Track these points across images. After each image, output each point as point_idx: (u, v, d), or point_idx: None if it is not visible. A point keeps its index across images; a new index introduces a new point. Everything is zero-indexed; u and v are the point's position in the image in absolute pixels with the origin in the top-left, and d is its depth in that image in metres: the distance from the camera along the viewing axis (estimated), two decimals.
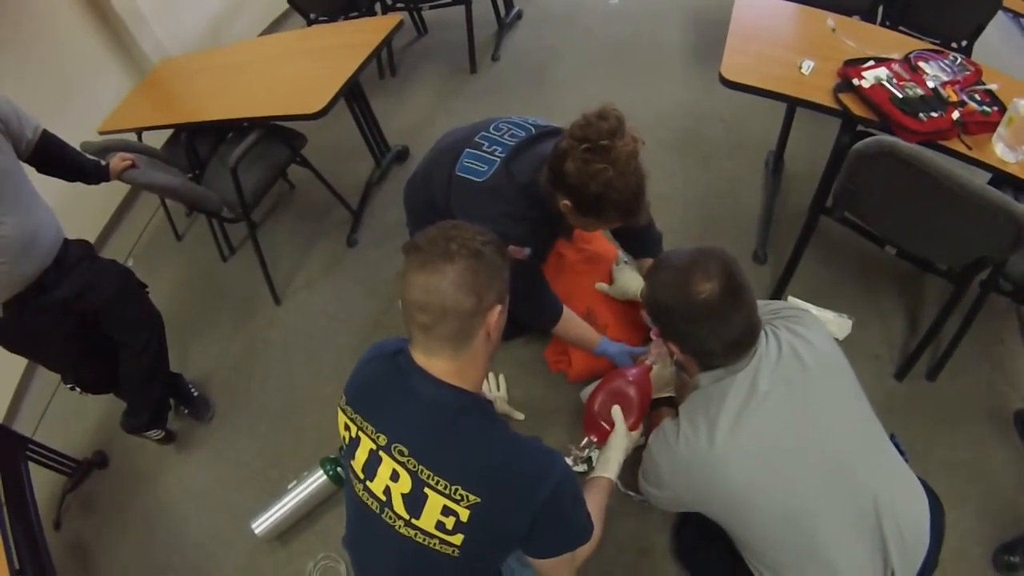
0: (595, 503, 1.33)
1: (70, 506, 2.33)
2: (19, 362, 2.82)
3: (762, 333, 1.29)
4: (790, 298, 2.27)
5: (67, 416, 2.66)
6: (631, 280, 2.08)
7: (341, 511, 2.04)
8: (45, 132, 1.90)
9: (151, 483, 2.33)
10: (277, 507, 2.02)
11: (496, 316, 1.13)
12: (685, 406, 1.33)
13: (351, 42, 2.71)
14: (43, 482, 2.24)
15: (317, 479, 2.05)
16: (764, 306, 1.37)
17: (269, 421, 2.39)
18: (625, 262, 2.16)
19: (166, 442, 2.37)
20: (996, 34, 3.29)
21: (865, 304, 2.31)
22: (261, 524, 2.00)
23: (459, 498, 1.04)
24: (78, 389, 2.27)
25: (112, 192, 3.45)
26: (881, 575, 1.24)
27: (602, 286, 2.14)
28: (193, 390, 2.47)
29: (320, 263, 2.93)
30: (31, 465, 2.17)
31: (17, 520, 1.93)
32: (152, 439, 2.31)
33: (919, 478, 1.35)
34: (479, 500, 1.04)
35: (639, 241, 2.09)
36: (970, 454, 1.93)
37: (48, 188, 1.95)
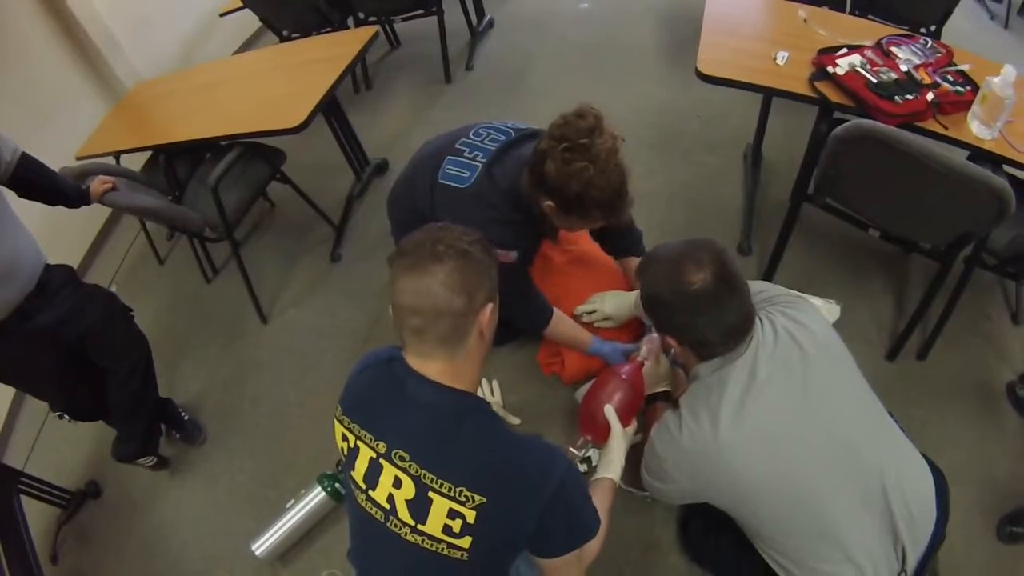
0: (600, 503, 1.32)
1: (66, 539, 2.28)
2: (7, 392, 2.76)
3: (757, 320, 1.30)
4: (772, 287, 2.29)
5: (58, 446, 2.61)
6: (617, 301, 2.07)
7: (342, 528, 2.04)
8: (24, 155, 1.88)
9: (147, 511, 2.29)
10: (277, 527, 1.99)
11: (488, 314, 1.13)
12: (685, 398, 1.33)
13: (327, 55, 2.70)
14: (36, 515, 2.20)
15: (315, 496, 2.02)
16: (757, 293, 1.38)
17: (263, 441, 2.36)
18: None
19: (159, 468, 2.32)
20: (964, 18, 3.36)
21: (852, 288, 2.33)
22: (261, 545, 1.97)
23: (464, 499, 1.03)
24: (67, 417, 2.23)
25: (91, 219, 3.44)
26: (892, 552, 1.25)
27: (604, 324, 2.09)
28: (184, 414, 2.43)
29: (305, 280, 2.91)
30: (23, 498, 2.12)
31: (13, 556, 1.90)
32: (145, 466, 2.27)
33: (921, 454, 1.36)
34: (485, 500, 1.03)
35: (620, 240, 2.10)
36: (966, 429, 1.96)
37: (26, 216, 1.92)
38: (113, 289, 2.90)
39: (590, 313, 2.07)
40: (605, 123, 1.51)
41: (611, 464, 1.49)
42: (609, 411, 1.56)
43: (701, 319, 1.24)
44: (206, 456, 2.39)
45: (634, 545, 1.84)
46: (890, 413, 1.38)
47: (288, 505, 2.03)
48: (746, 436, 1.22)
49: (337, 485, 2.03)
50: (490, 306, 1.13)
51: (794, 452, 1.22)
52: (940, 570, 1.47)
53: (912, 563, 1.26)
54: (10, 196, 1.85)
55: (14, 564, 1.87)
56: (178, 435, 2.42)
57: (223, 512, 2.21)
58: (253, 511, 2.15)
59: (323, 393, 2.41)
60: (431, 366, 1.11)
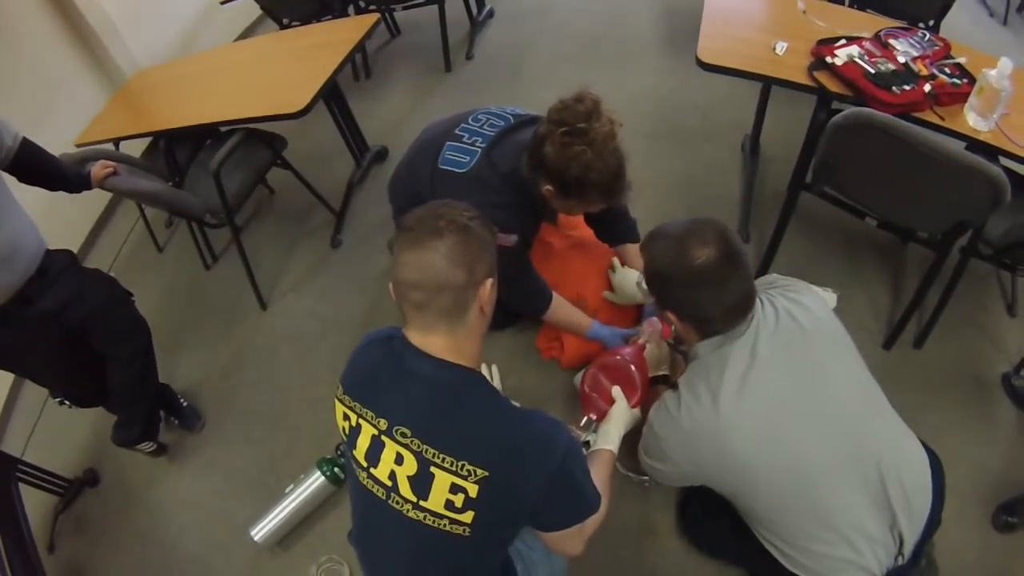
0: (600, 475, 1.34)
1: (63, 527, 2.28)
2: (5, 380, 2.77)
3: (758, 301, 1.31)
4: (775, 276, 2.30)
5: (55, 434, 2.61)
6: (630, 279, 2.08)
7: (341, 512, 2.05)
8: (25, 140, 1.88)
9: (144, 498, 2.30)
10: (276, 512, 2.00)
11: (488, 290, 1.14)
12: (685, 377, 1.34)
13: (328, 42, 2.70)
14: (34, 503, 2.19)
15: (315, 481, 2.03)
16: (759, 282, 1.39)
17: (262, 426, 2.37)
18: (622, 267, 2.16)
19: (157, 455, 2.33)
20: (962, 15, 3.36)
21: (849, 277, 2.35)
22: (260, 530, 1.98)
23: (466, 474, 1.04)
24: (68, 403, 2.23)
25: (90, 206, 3.43)
26: (888, 536, 1.26)
27: (608, 295, 2.14)
28: (182, 400, 2.44)
29: (305, 265, 2.91)
30: (21, 486, 2.12)
31: (12, 544, 1.89)
32: (144, 451, 2.28)
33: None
34: (487, 474, 1.04)
35: (615, 227, 2.12)
36: (961, 417, 1.97)
37: (25, 201, 1.91)
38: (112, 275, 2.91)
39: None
40: (603, 107, 1.53)
41: (609, 435, 1.51)
42: (616, 391, 1.58)
43: (703, 294, 1.25)
44: (204, 442, 2.39)
45: (632, 529, 1.86)
46: None
47: (287, 490, 2.04)
48: (746, 415, 1.23)
49: (336, 469, 2.04)
50: (490, 281, 1.15)
51: (793, 432, 1.23)
52: (936, 557, 1.49)
53: (909, 546, 1.27)
54: (10, 181, 1.85)
55: (12, 553, 1.86)
56: (176, 421, 2.42)
57: (221, 498, 2.22)
58: (252, 496, 2.16)
59: (322, 378, 2.42)
60: (432, 341, 1.12)
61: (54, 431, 2.63)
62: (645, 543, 1.84)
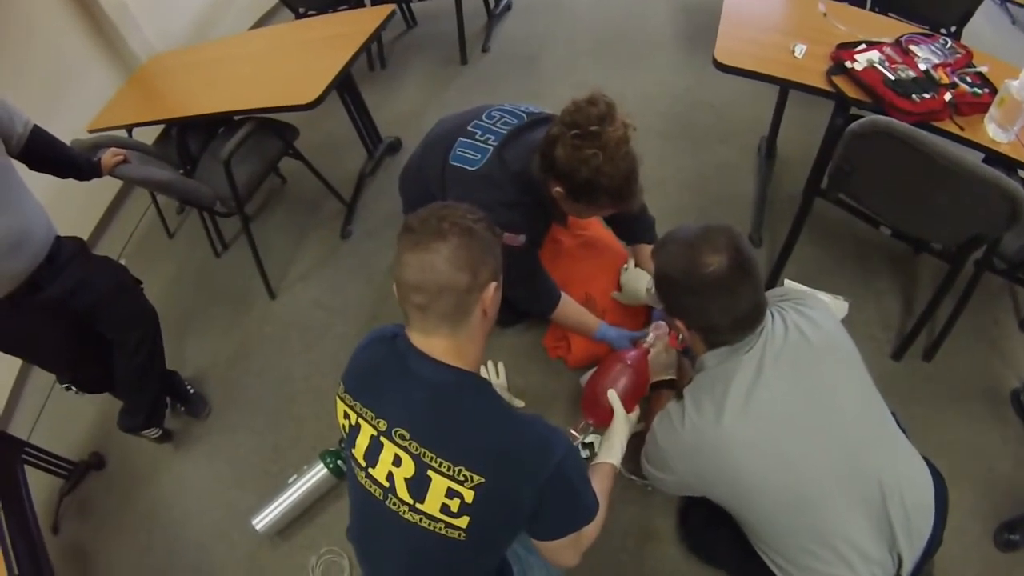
0: (599, 487, 1.33)
1: (67, 509, 2.30)
2: (13, 363, 2.79)
3: (768, 313, 1.29)
4: (786, 281, 2.28)
5: (62, 418, 2.63)
6: (640, 281, 2.06)
7: (343, 505, 2.05)
8: (36, 127, 1.88)
9: (149, 483, 2.31)
10: (278, 502, 2.01)
11: (492, 293, 1.12)
12: (690, 388, 1.33)
13: (343, 32, 2.69)
14: (39, 486, 2.22)
15: (317, 472, 2.04)
16: (770, 294, 1.37)
17: (267, 416, 2.38)
18: (636, 267, 2.15)
19: (163, 441, 2.35)
20: (985, 21, 3.31)
21: (861, 285, 2.32)
22: (262, 520, 1.99)
23: (463, 479, 1.04)
24: (74, 389, 2.24)
25: (101, 192, 3.44)
26: (887, 556, 1.25)
27: (616, 295, 2.13)
28: (189, 387, 2.46)
29: (314, 256, 2.92)
30: (27, 468, 2.14)
31: (16, 526, 1.90)
32: (149, 438, 2.30)
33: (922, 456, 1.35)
34: (483, 480, 1.03)
35: (632, 227, 2.11)
36: (968, 433, 1.95)
37: (36, 188, 1.91)
38: (122, 263, 2.92)
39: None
40: (617, 111, 1.51)
41: (612, 448, 1.50)
42: (612, 395, 1.56)
43: (713, 303, 1.24)
44: (210, 429, 2.40)
45: (632, 533, 1.85)
46: (893, 412, 1.37)
47: (290, 480, 2.05)
48: (750, 430, 1.22)
49: (339, 462, 2.04)
50: (493, 284, 1.13)
51: (796, 450, 1.22)
52: (936, 575, 1.48)
53: (908, 567, 1.26)
54: (20, 168, 1.85)
55: (16, 534, 1.87)
56: (183, 408, 2.44)
57: (225, 486, 2.23)
58: (255, 485, 2.17)
59: (328, 369, 2.43)
60: (434, 343, 1.11)
61: (61, 415, 2.65)
62: (645, 547, 1.83)
